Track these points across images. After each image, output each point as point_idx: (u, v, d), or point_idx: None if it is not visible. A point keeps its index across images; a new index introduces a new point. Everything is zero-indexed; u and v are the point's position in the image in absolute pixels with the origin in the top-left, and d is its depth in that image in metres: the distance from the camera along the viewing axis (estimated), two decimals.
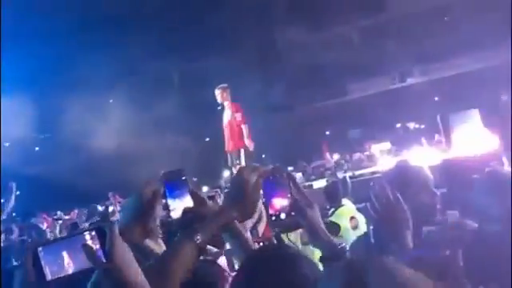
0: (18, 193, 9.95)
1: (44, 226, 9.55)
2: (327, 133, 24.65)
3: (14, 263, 5.40)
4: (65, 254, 1.66)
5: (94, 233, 1.67)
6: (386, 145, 18.88)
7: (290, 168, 17.62)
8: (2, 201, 10.01)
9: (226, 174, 11.70)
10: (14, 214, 10.82)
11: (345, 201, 6.94)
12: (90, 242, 1.65)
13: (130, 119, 22.45)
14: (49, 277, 1.64)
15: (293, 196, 2.23)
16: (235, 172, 10.12)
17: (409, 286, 1.57)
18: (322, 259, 2.20)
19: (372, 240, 2.81)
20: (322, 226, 2.29)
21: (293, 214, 2.23)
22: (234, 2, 25.70)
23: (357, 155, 17.40)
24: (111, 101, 24.64)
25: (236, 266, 2.47)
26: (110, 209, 11.10)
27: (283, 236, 2.45)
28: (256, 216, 2.67)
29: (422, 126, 25.06)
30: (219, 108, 12.26)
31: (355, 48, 27.35)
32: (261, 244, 2.53)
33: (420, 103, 23.37)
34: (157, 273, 1.92)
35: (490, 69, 21.79)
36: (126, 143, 22.14)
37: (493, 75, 19.92)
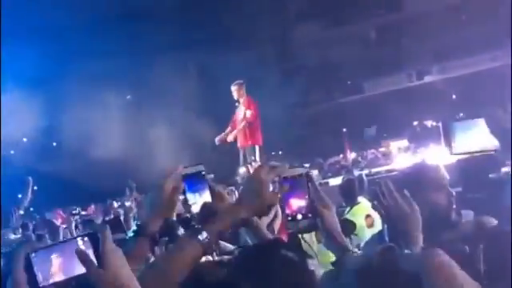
0: (35, 188, 9.97)
1: (58, 222, 9.57)
2: (344, 130, 24.56)
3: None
4: (57, 260, 1.65)
5: (86, 238, 1.66)
6: (404, 142, 18.78)
7: (306, 165, 17.59)
8: (19, 196, 10.04)
9: (242, 170, 11.67)
10: (31, 209, 10.84)
11: (360, 199, 6.92)
12: (82, 248, 1.64)
13: (147, 114, 22.51)
14: (41, 282, 1.63)
15: (310, 197, 2.22)
16: (251, 170, 10.14)
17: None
18: (334, 264, 2.21)
19: (386, 238, 2.81)
20: (339, 228, 2.28)
21: (310, 215, 2.22)
22: None
23: (371, 153, 17.29)
24: (128, 96, 24.73)
25: None
26: (127, 204, 11.13)
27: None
28: (272, 213, 2.68)
29: (440, 124, 24.88)
30: (236, 104, 12.26)
31: (372, 45, 27.27)
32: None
33: (437, 101, 23.24)
34: (157, 272, 1.93)
35: (508, 66, 21.57)
36: (143, 140, 22.21)
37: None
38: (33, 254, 1.63)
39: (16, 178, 11.35)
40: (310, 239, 2.49)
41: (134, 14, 23.76)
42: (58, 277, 1.64)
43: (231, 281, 1.98)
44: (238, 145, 12.44)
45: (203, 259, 2.09)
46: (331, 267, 2.24)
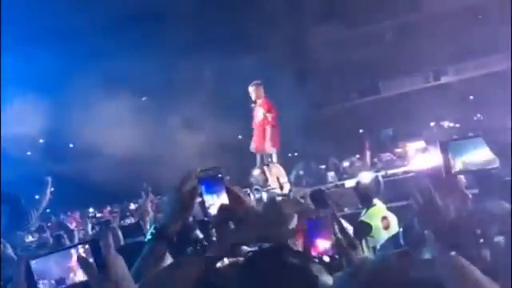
0: (52, 189, 9.97)
1: (73, 226, 9.58)
2: (361, 131, 24.50)
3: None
4: (58, 267, 1.64)
5: (87, 246, 1.66)
6: (421, 143, 18.69)
7: (322, 166, 17.54)
8: (36, 197, 10.04)
9: (256, 172, 11.65)
10: (47, 211, 10.84)
11: (376, 200, 6.90)
12: (84, 255, 1.64)
13: (162, 117, 22.58)
14: None
15: (337, 237, 2.20)
16: (267, 172, 10.02)
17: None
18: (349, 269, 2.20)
19: (401, 241, 2.79)
20: None
21: (336, 257, 2.20)
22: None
23: (387, 155, 17.22)
24: (144, 98, 24.83)
25: None
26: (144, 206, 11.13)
27: None
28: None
29: (457, 125, 24.81)
30: (252, 105, 12.22)
31: (389, 46, 27.21)
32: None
33: (454, 102, 23.16)
34: (158, 285, 1.93)
35: None
36: (159, 141, 22.27)
37: None
38: (33, 261, 1.63)
39: (33, 178, 11.40)
40: None
41: (149, 15, 23.87)
42: (59, 284, 1.64)
43: (236, 283, 1.98)
44: (253, 146, 12.39)
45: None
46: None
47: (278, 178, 11.65)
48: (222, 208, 2.12)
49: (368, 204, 6.86)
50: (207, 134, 21.75)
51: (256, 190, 9.18)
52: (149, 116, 22.34)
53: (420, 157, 14.84)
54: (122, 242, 5.96)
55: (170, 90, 23.78)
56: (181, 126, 22.10)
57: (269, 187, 10.64)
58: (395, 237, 3.59)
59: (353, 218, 6.66)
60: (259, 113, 12.05)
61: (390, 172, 12.53)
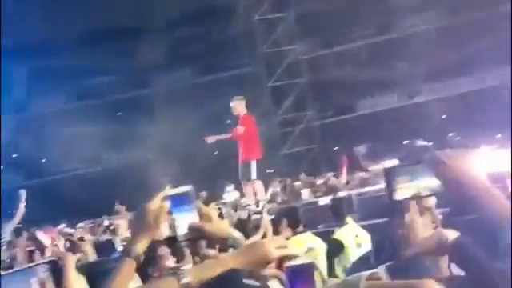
0: (25, 203, 9.81)
1: (46, 241, 9.45)
2: (335, 148, 24.59)
3: None
4: (21, 285, 1.64)
5: (48, 266, 1.67)
6: (394, 162, 18.78)
7: (297, 183, 17.57)
8: (10, 212, 9.88)
9: (229, 188, 11.63)
10: (20, 225, 10.68)
11: (348, 219, 6.95)
12: (45, 275, 1.64)
13: (139, 131, 22.49)
14: None
15: None
16: (245, 188, 9.97)
17: None
18: None
19: (372, 260, 2.82)
20: None
21: None
22: (242, 16, 25.94)
23: (359, 173, 17.26)
24: (119, 113, 24.72)
25: None
26: (116, 222, 11.04)
27: None
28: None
29: (430, 144, 25.01)
30: (228, 122, 12.22)
31: (364, 65, 27.40)
32: None
33: (428, 121, 23.40)
34: None
35: (498, 88, 21.95)
36: (134, 154, 22.17)
37: (503, 94, 20.05)
38: None
39: (5, 193, 11.26)
40: None
41: (124, 31, 23.83)
42: None
43: None
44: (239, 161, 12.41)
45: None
46: None
47: (255, 194, 11.69)
48: (192, 227, 2.12)
49: (341, 222, 6.91)
50: (182, 149, 21.69)
51: (232, 206, 9.19)
52: (125, 130, 22.27)
53: None
54: (95, 258, 5.94)
55: (144, 106, 23.72)
56: (157, 141, 22.01)
57: (243, 203, 10.65)
58: (367, 255, 3.62)
59: (326, 236, 6.70)
60: (240, 127, 12.04)
61: (363, 190, 12.54)
